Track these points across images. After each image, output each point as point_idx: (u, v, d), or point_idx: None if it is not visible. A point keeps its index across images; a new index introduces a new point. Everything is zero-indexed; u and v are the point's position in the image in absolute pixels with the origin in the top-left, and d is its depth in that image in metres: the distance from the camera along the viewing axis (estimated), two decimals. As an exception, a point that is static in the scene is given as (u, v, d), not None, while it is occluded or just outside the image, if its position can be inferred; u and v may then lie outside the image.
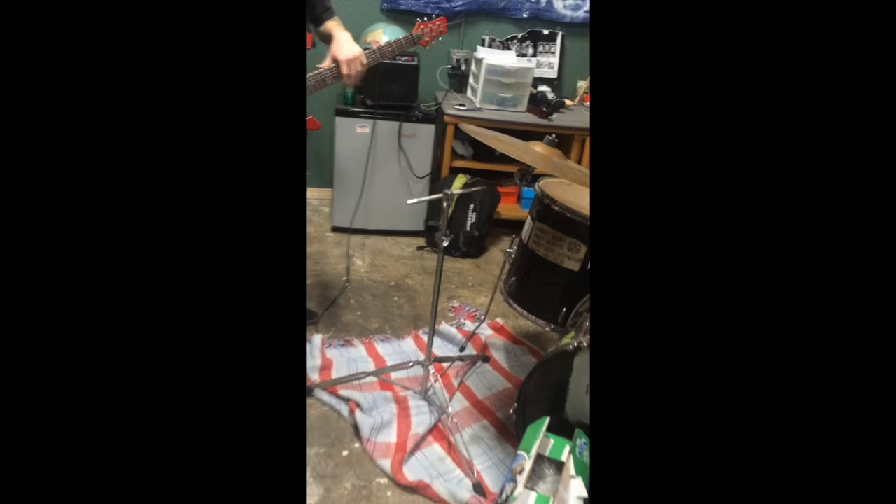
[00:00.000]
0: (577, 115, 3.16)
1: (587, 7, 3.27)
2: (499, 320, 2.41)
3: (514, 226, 3.40)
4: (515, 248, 2.00)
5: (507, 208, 3.22)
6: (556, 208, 1.77)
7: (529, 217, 1.93)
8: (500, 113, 3.00)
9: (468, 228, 2.95)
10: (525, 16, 3.26)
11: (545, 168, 1.61)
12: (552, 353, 1.49)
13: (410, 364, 1.96)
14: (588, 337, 1.44)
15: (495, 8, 3.22)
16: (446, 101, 3.07)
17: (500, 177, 3.25)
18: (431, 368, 1.86)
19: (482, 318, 2.44)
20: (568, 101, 3.30)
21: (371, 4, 3.11)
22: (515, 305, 1.95)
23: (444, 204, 1.62)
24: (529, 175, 1.62)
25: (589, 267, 1.79)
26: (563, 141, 3.08)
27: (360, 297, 2.51)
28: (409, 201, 1.71)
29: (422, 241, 3.08)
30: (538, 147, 1.60)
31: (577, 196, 1.90)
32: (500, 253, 3.08)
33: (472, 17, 3.24)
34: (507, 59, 3.02)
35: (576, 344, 1.41)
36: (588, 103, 3.36)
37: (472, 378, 2.05)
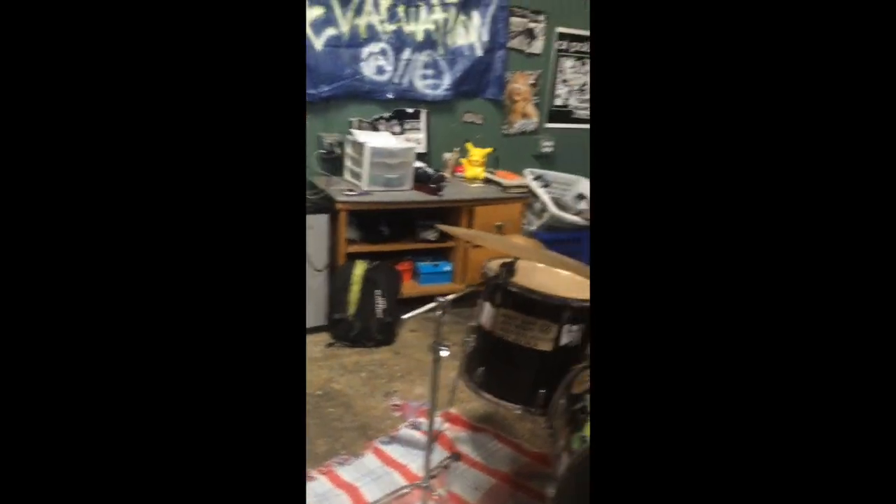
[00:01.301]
0: (457, 187, 3.17)
1: (446, 85, 3.35)
2: (451, 410, 2.25)
3: (415, 304, 3.22)
4: (472, 336, 1.89)
5: (407, 287, 3.09)
6: (525, 293, 1.71)
7: (489, 304, 1.84)
8: (388, 194, 2.89)
9: (380, 315, 2.76)
10: (390, 97, 3.23)
11: (530, 258, 1.54)
12: (578, 459, 1.37)
13: (406, 490, 1.72)
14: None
15: (361, 91, 3.14)
16: (329, 186, 2.87)
17: (394, 256, 3.12)
18: (437, 489, 1.65)
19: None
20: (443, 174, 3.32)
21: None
22: (489, 396, 1.83)
23: (439, 313, 1.46)
24: (514, 270, 1.54)
25: (561, 344, 1.75)
26: (452, 213, 3.06)
27: (293, 417, 2.16)
28: (404, 316, 1.51)
29: (328, 337, 2.80)
30: (520, 240, 1.54)
31: (531, 277, 1.86)
32: (412, 335, 2.92)
33: (339, 101, 3.11)
34: (388, 140, 2.94)
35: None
36: (459, 174, 3.40)
37: (455, 483, 1.86)
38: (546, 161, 3.91)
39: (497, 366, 1.82)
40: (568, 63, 3.85)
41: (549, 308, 1.71)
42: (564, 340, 1.77)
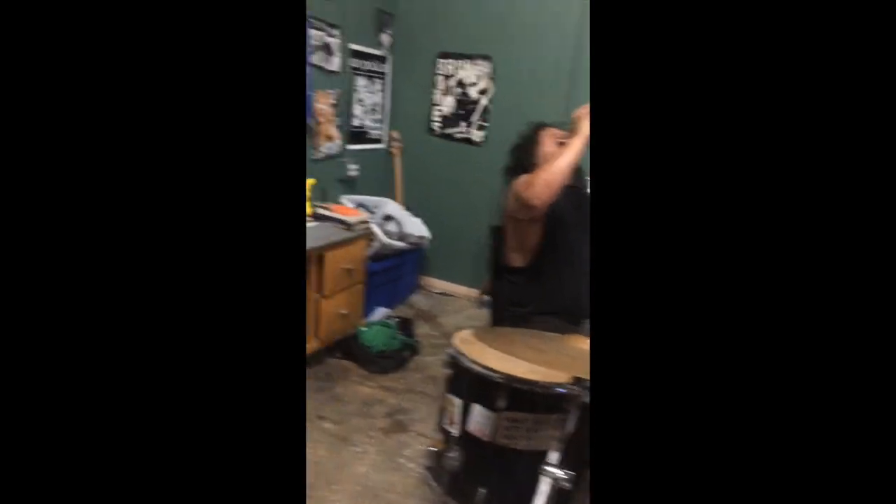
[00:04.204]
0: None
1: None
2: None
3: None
4: (456, 449, 1.37)
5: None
6: (535, 389, 1.27)
7: (480, 409, 1.34)
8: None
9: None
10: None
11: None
12: None
13: None
14: None
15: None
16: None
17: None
18: None
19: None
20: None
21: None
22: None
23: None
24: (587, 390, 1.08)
25: (566, 433, 1.37)
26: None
27: None
28: None
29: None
30: (583, 343, 1.08)
31: (519, 363, 1.40)
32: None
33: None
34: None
35: None
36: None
37: None
38: (352, 185, 3.35)
39: (503, 481, 1.35)
40: (361, 82, 3.32)
41: (562, 399, 1.31)
42: (569, 429, 1.39)
